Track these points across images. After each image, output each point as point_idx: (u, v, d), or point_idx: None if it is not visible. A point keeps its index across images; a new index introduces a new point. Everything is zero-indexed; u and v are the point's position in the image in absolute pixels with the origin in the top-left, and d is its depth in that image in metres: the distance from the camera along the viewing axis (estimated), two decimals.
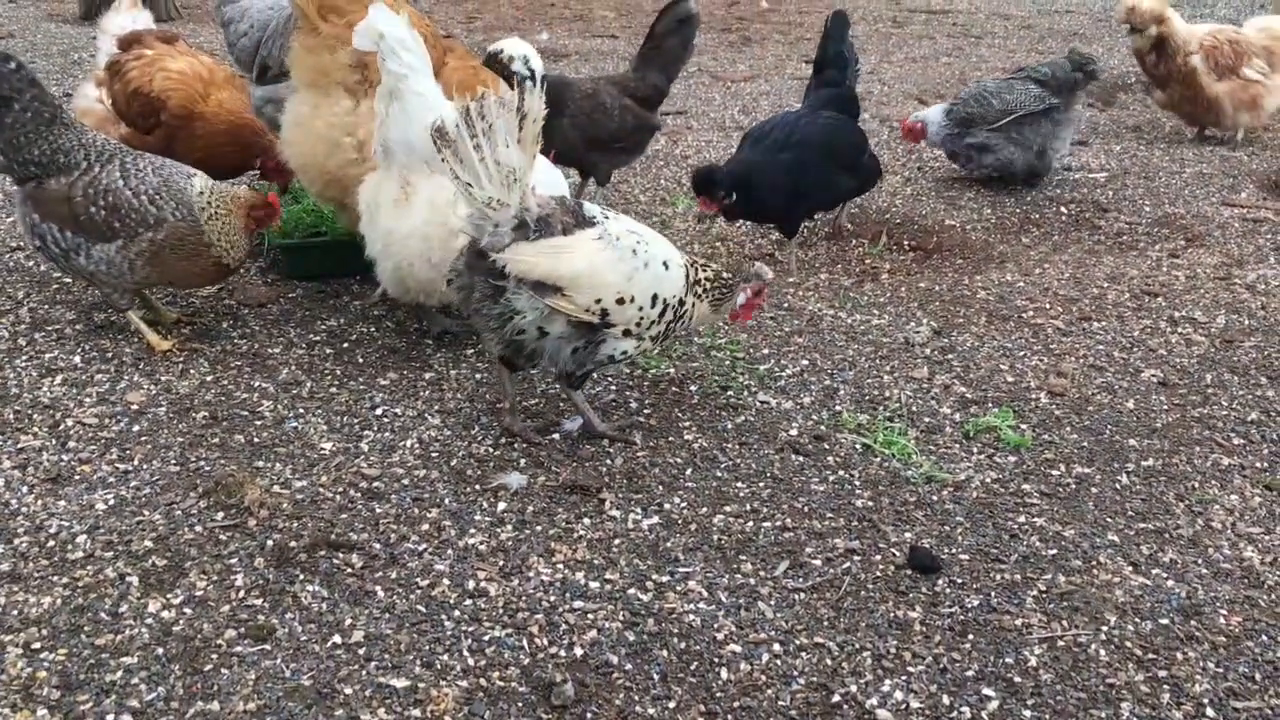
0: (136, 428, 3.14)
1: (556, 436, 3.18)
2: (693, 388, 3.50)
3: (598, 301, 2.89)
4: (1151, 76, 6.46)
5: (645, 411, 3.34)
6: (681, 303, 3.08)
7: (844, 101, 4.74)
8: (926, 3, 12.04)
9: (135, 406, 3.25)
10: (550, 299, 2.84)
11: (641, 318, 2.98)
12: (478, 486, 2.92)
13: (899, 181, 5.69)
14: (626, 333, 2.98)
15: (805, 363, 3.69)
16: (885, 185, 5.61)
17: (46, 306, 3.88)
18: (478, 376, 3.53)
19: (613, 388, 3.48)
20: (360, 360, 3.61)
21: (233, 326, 3.81)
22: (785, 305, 4.14)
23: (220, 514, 2.75)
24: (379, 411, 3.29)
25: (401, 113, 3.28)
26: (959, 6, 11.60)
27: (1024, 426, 3.33)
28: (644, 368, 3.60)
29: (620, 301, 2.92)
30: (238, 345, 3.67)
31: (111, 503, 2.78)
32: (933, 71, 8.39)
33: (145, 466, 2.95)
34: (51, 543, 2.62)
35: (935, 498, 2.95)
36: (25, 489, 2.83)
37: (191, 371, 3.48)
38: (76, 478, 2.89)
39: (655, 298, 2.99)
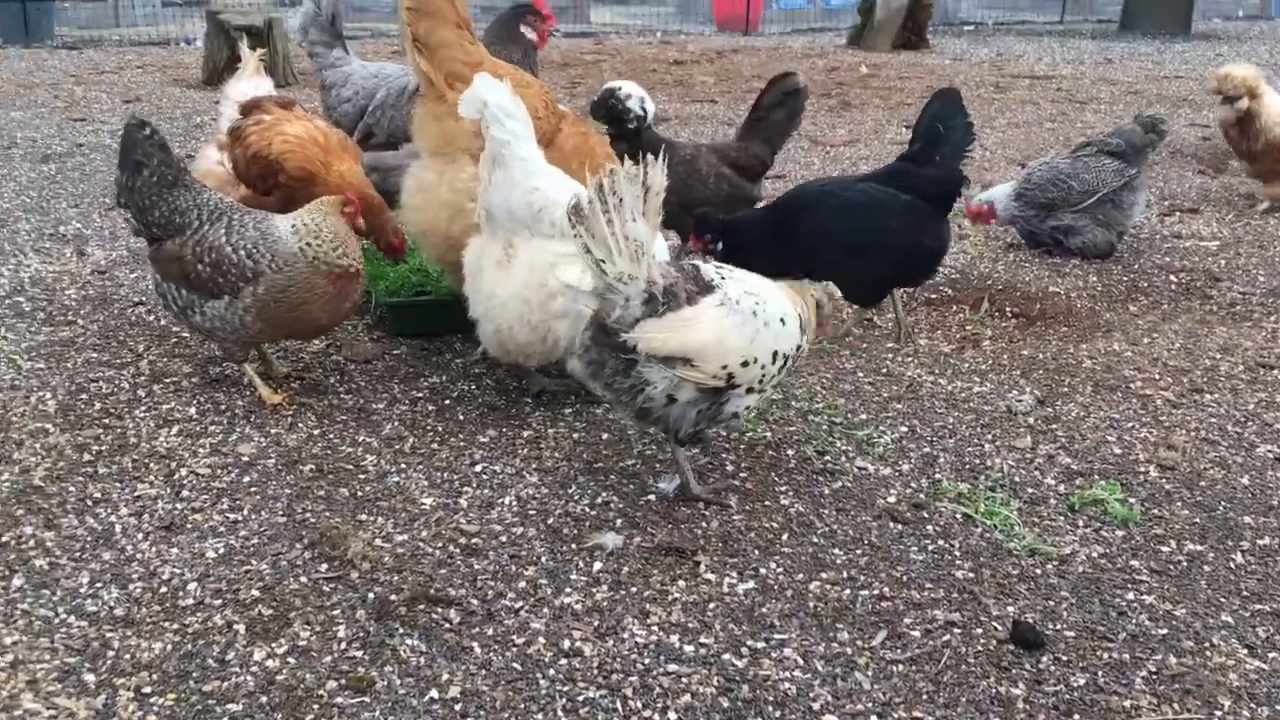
0: (247, 479, 3.23)
1: (652, 498, 3.19)
2: (789, 451, 3.49)
3: (724, 367, 2.93)
4: (1237, 151, 6.33)
5: (741, 475, 3.34)
6: (798, 349, 3.13)
7: (907, 177, 4.34)
8: (1030, 68, 11.98)
9: (246, 458, 3.35)
10: (679, 370, 2.89)
11: (764, 374, 3.03)
12: (574, 545, 2.94)
13: (1000, 247, 5.63)
14: (749, 390, 3.03)
15: (904, 429, 3.65)
16: (987, 251, 5.56)
17: (165, 360, 4.03)
18: (575, 435, 3.56)
19: (709, 449, 3.48)
20: (461, 417, 3.68)
21: (340, 382, 3.92)
22: (884, 370, 4.11)
23: (324, 565, 2.81)
24: (478, 468, 3.34)
25: (504, 178, 3.38)
26: (1063, 72, 11.51)
27: (1132, 500, 3.24)
28: (740, 430, 3.60)
29: (745, 364, 2.96)
30: (344, 400, 3.77)
31: (221, 551, 2.87)
32: (1036, 137, 8.32)
33: (254, 517, 3.03)
34: (164, 589, 2.71)
35: (1039, 571, 2.88)
36: (141, 536, 2.93)
37: (300, 425, 3.58)
38: (189, 526, 2.98)
39: (776, 354, 3.03)
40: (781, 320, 3.05)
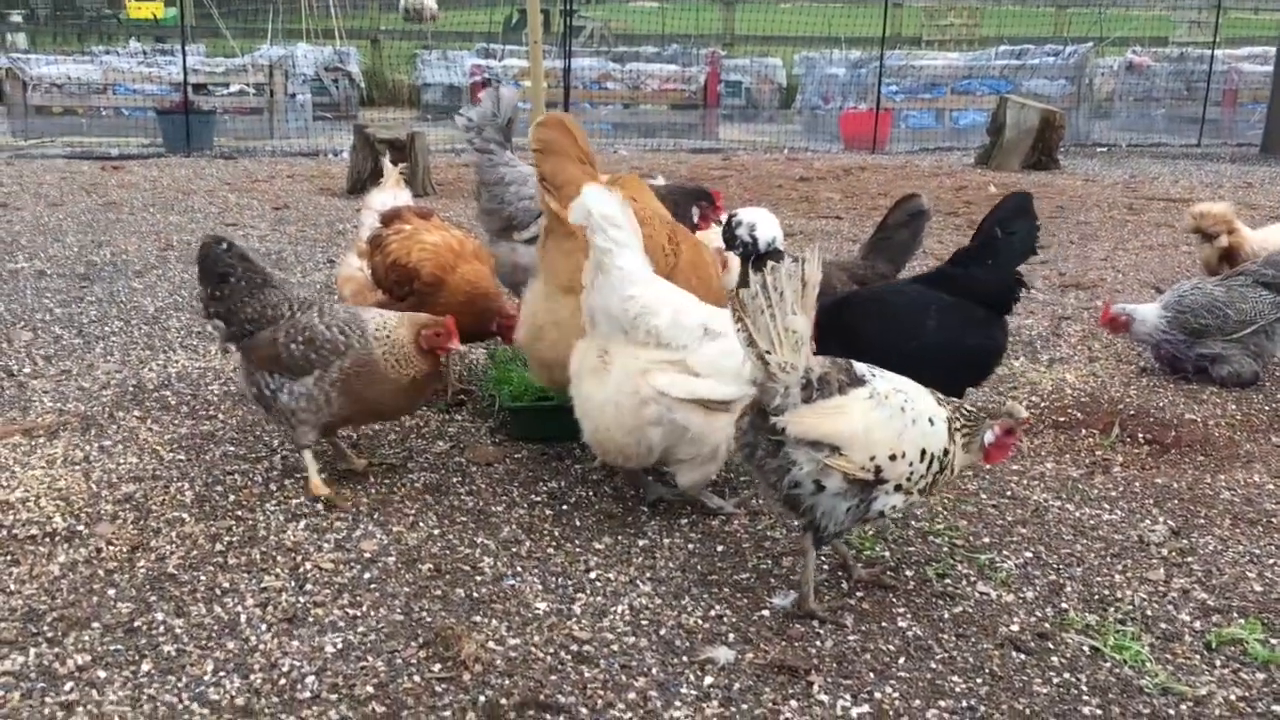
0: (368, 575, 3.30)
1: (766, 613, 3.14)
2: (908, 573, 3.41)
3: (871, 459, 2.98)
4: None
5: (858, 594, 3.28)
6: (946, 452, 3.11)
7: (956, 280, 4.26)
8: (1165, 190, 11.77)
9: (368, 554, 3.43)
10: (827, 457, 2.96)
11: (911, 472, 3.05)
12: (685, 658, 2.91)
13: (1133, 371, 5.48)
14: (897, 487, 3.05)
15: (1029, 555, 3.54)
16: (1118, 374, 5.42)
17: (296, 456, 4.17)
18: (690, 546, 3.55)
19: (825, 567, 3.43)
20: (577, 523, 3.70)
21: (461, 483, 3.99)
22: (1008, 494, 4.01)
23: (438, 665, 2.84)
24: (593, 575, 3.35)
25: (604, 284, 3.49)
26: (1200, 195, 11.25)
27: (1274, 641, 3.07)
28: (857, 549, 3.55)
29: (892, 458, 3.00)
30: (465, 501, 3.84)
31: (340, 646, 2.92)
32: (1171, 260, 8.13)
33: (373, 613, 3.09)
34: (283, 681, 2.77)
35: (1172, 712, 2.74)
36: (264, 627, 3.01)
37: (421, 524, 3.65)
38: (310, 619, 3.05)
39: (924, 453, 3.05)
40: (930, 420, 3.09)
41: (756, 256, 4.63)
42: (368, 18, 26.12)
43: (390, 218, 4.88)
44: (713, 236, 4.87)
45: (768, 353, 2.91)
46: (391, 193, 5.26)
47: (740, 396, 3.37)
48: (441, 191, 10.96)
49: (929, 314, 4.22)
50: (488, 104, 5.28)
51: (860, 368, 3.10)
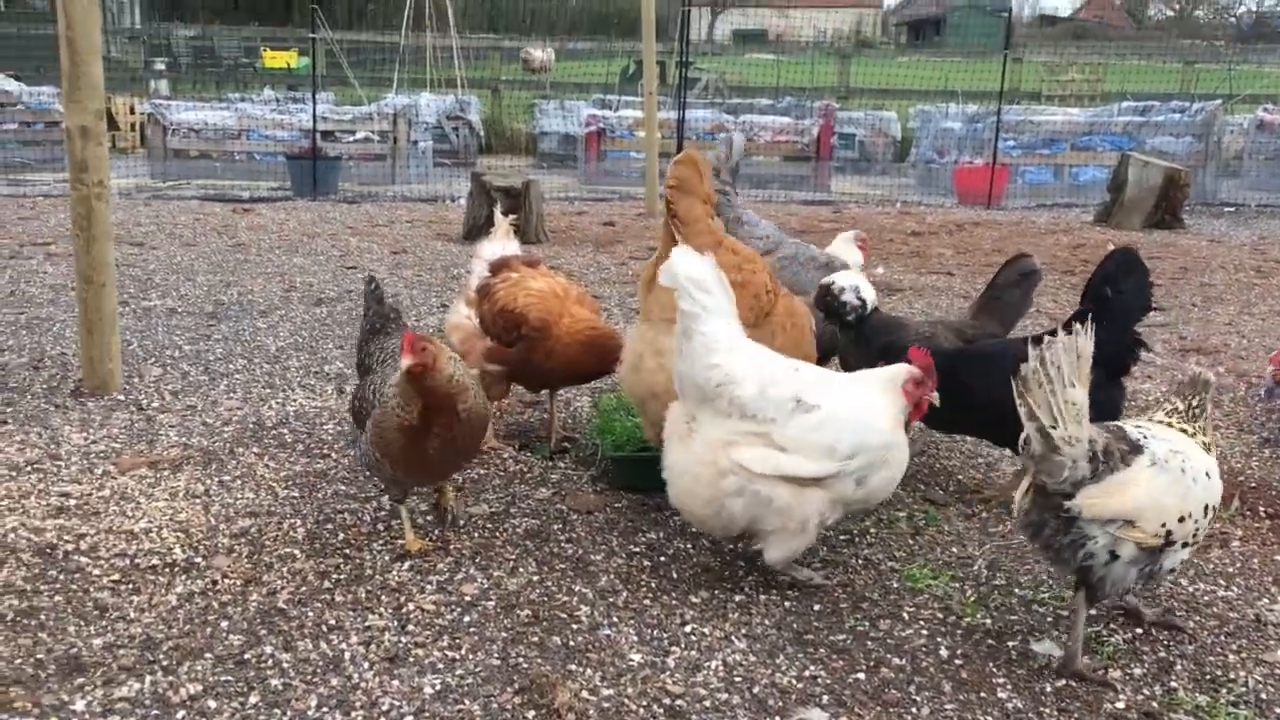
0: (467, 618, 3.37)
1: (861, 675, 3.11)
2: (1010, 643, 3.34)
3: (1163, 525, 3.03)
4: None
5: (957, 662, 3.22)
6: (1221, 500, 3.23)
7: None
8: None
9: (468, 598, 3.49)
10: (1119, 531, 3.02)
11: (1196, 528, 3.11)
12: (778, 718, 2.89)
13: (1255, 442, 5.29)
14: (1184, 544, 3.11)
15: (1138, 630, 3.44)
16: (1240, 444, 5.24)
17: None
18: (786, 604, 3.54)
19: (924, 632, 3.38)
20: (674, 575, 3.72)
21: (562, 530, 4.05)
22: None
23: (531, 712, 2.88)
24: (688, 629, 3.36)
25: (689, 350, 3.46)
26: None
27: None
28: (958, 615, 3.49)
29: (1180, 520, 3.06)
30: (564, 549, 3.89)
31: (438, 688, 2.98)
32: None
33: (471, 656, 3.15)
34: (382, 719, 2.83)
35: None
36: (367, 665, 3.09)
37: (521, 570, 3.71)
38: (411, 660, 3.12)
39: (1206, 507, 3.13)
40: (1206, 474, 3.15)
41: (861, 318, 4.61)
42: (489, 68, 26.85)
43: (498, 267, 5.00)
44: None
45: (1051, 427, 2.94)
46: (501, 243, 5.38)
47: (833, 473, 3.38)
48: (554, 239, 11.16)
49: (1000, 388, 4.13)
50: (722, 149, 5.45)
51: (1132, 431, 3.15)
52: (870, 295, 4.59)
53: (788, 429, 3.39)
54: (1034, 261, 4.98)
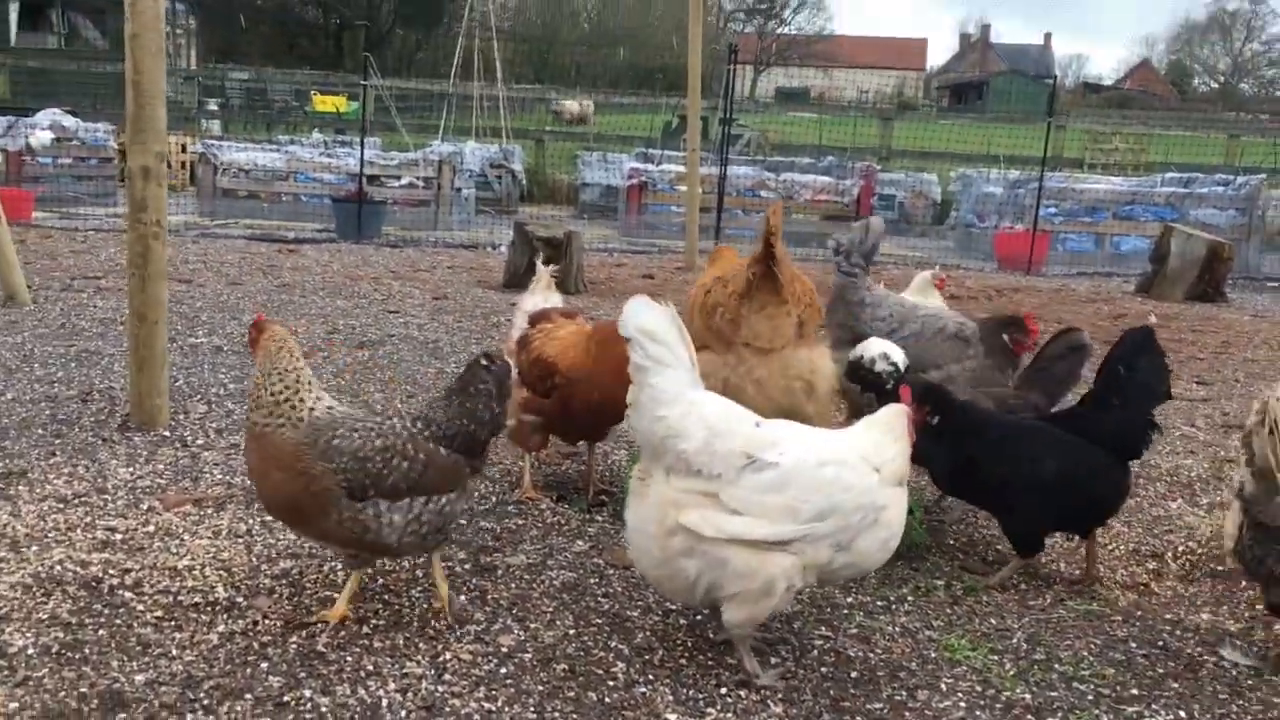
0: (504, 670, 3.37)
1: None
2: (1049, 719, 3.30)
3: None
4: None
5: None
6: None
7: (1084, 421, 4.25)
8: None
9: (505, 649, 3.50)
10: None
11: None
12: None
13: None
14: None
15: (1181, 713, 3.39)
16: None
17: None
18: (823, 669, 3.52)
19: (962, 704, 3.35)
20: (711, 635, 3.71)
21: (598, 584, 4.05)
22: (1159, 643, 3.86)
23: None
24: (724, 690, 3.35)
25: (638, 402, 3.31)
26: None
27: None
28: (996, 688, 3.46)
29: None
30: (600, 604, 3.89)
31: None
32: None
33: (507, 709, 3.15)
34: None
35: None
36: (404, 713, 3.09)
37: (557, 623, 3.71)
38: (447, 710, 3.13)
39: None
40: None
41: (895, 384, 4.61)
42: (534, 119, 27.22)
43: (537, 318, 5.06)
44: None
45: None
46: (543, 295, 5.44)
47: (796, 536, 3.16)
48: (593, 290, 11.24)
49: (1053, 454, 4.15)
50: (858, 232, 5.55)
51: None
52: (900, 357, 4.57)
53: (737, 488, 3.17)
54: (1084, 336, 4.96)
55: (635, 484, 3.42)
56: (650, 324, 3.29)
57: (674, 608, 3.89)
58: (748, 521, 3.16)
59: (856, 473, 3.27)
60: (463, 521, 4.39)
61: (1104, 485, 4.20)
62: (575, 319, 5.07)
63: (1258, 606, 4.23)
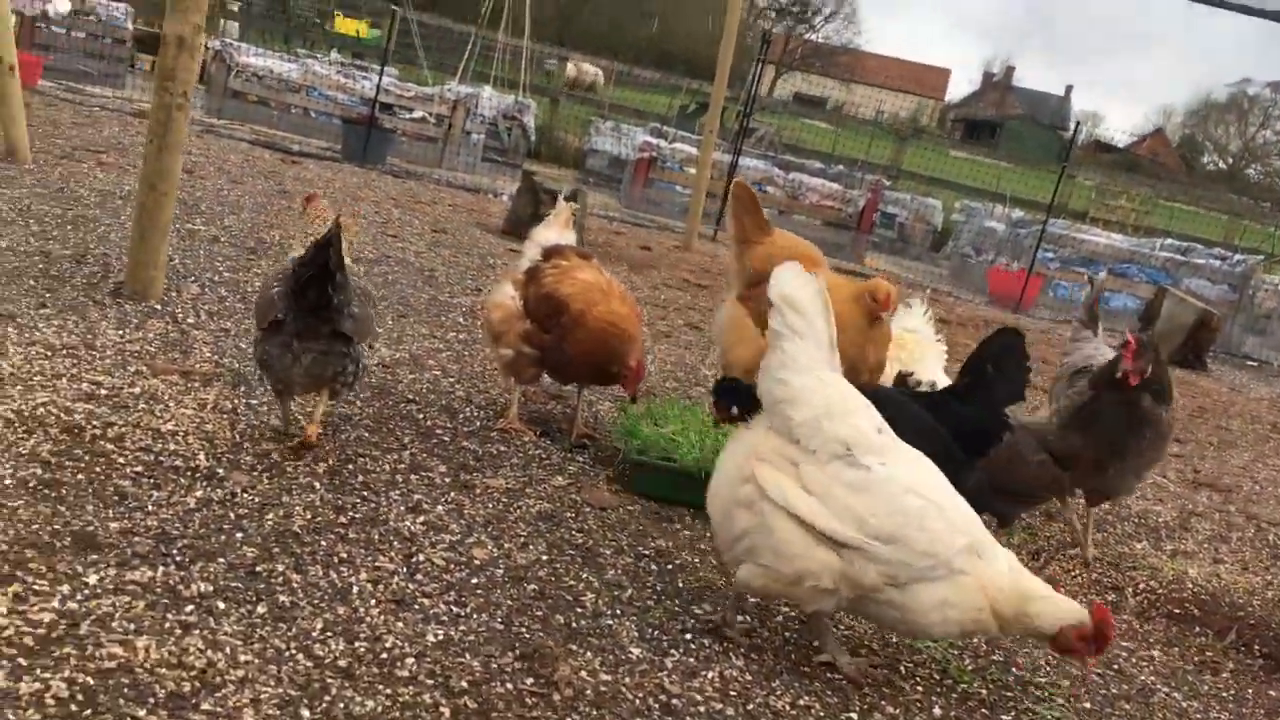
0: (475, 580, 3.37)
1: (854, 716, 3.11)
2: (1005, 717, 3.34)
3: None
4: None
5: None
6: None
7: (945, 409, 4.01)
8: None
9: (478, 561, 3.49)
10: None
11: None
12: None
13: (1260, 582, 5.30)
14: None
15: None
16: (1243, 581, 5.25)
17: (424, 455, 4.29)
18: (787, 634, 3.54)
19: (919, 688, 3.38)
20: (680, 584, 3.72)
21: (574, 519, 4.05)
22: (1115, 667, 3.91)
23: (530, 679, 2.87)
24: (688, 636, 3.36)
25: (767, 362, 3.33)
26: None
27: None
28: (954, 679, 3.48)
29: None
30: (575, 537, 3.89)
31: (440, 638, 2.98)
32: None
33: (475, 616, 3.15)
34: (384, 655, 2.83)
35: None
36: (373, 602, 3.08)
37: (531, 548, 3.71)
38: (416, 606, 3.12)
39: None
40: None
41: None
42: (554, 78, 27.05)
43: (551, 253, 5.00)
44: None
45: None
46: (558, 230, 5.33)
47: (853, 544, 3.09)
48: (593, 253, 11.18)
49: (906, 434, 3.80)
50: (1091, 291, 5.91)
51: None
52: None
53: (821, 471, 3.15)
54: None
55: (744, 430, 3.41)
56: (794, 294, 3.30)
57: (646, 554, 3.90)
58: (813, 504, 3.12)
59: (942, 521, 3.16)
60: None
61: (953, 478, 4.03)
62: (590, 260, 5.02)
63: (1208, 653, 4.30)
